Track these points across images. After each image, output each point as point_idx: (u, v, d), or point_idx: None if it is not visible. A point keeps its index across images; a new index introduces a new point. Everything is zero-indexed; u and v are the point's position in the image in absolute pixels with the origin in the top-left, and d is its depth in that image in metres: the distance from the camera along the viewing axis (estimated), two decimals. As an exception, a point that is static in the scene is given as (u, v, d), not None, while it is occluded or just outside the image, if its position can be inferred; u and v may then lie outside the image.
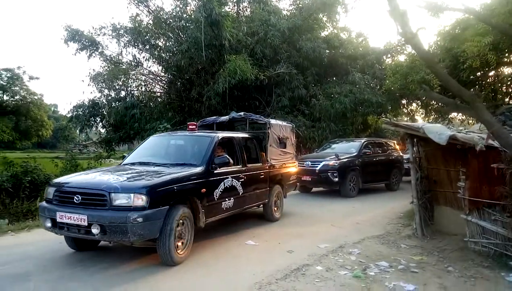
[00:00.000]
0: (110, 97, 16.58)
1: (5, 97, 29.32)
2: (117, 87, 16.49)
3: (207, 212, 5.19)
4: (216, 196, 5.45)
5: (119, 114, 15.76)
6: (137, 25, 16.55)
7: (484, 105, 4.69)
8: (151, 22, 16.93)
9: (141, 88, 17.81)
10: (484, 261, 5.04)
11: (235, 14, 17.96)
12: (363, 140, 12.05)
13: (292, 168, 8.33)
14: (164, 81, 18.52)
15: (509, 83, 8.91)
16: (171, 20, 16.31)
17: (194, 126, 6.82)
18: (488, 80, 9.68)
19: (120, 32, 16.35)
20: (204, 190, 5.19)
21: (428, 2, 6.10)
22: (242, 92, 15.87)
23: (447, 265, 4.96)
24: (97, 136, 17.42)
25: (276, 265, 4.73)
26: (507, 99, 10.18)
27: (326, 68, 17.50)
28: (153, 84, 18.65)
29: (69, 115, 17.63)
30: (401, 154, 12.97)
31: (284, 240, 5.98)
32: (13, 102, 27.92)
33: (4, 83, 29.44)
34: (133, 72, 17.53)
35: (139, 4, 16.26)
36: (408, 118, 18.75)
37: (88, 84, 16.87)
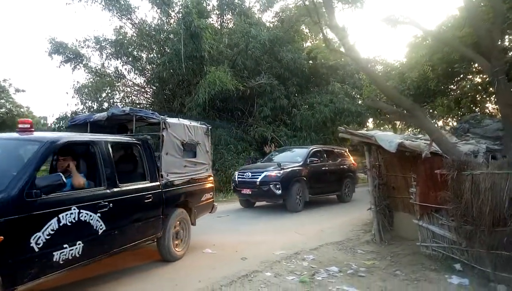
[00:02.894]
0: (92, 109, 16.68)
1: (-9, 110, 29.47)
2: (100, 99, 16.62)
3: (14, 276, 3.15)
4: (38, 244, 3.29)
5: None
6: (121, 37, 16.80)
7: (424, 114, 4.88)
8: (134, 34, 17.19)
9: (125, 99, 17.99)
10: (433, 264, 5.16)
11: (218, 26, 18.31)
12: (310, 148, 11.00)
13: (205, 183, 6.34)
14: (148, 93, 18.72)
15: (473, 93, 9.14)
16: (153, 33, 16.58)
17: (28, 126, 4.12)
18: (455, 89, 9.91)
19: (102, 44, 16.55)
20: (5, 237, 3.01)
21: (387, 16, 6.35)
22: (225, 102, 16.11)
23: (395, 269, 5.07)
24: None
25: (226, 272, 4.81)
26: (478, 108, 10.44)
27: (307, 78, 17.79)
28: (138, 95, 18.84)
29: (52, 127, 17.72)
30: (353, 162, 12.39)
31: (242, 248, 6.06)
32: (-1, 115, 28.07)
33: (-10, 96, 29.64)
34: (118, 84, 17.75)
35: (122, 17, 16.50)
36: (390, 126, 18.98)
37: (72, 97, 17.08)
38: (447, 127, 9.08)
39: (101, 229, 3.97)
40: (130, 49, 16.86)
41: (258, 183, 9.45)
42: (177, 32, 14.71)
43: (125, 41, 16.74)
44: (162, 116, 5.43)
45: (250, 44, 15.28)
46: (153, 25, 16.73)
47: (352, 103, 16.00)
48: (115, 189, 4.28)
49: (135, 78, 18.08)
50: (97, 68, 17.40)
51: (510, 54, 8.46)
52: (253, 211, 10.11)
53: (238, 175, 10.17)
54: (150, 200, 4.83)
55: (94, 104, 16.78)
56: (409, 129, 14.11)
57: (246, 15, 17.19)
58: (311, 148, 10.96)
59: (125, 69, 17.35)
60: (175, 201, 5.43)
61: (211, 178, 6.68)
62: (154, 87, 17.94)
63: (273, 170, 9.55)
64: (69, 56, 16.71)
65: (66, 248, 3.54)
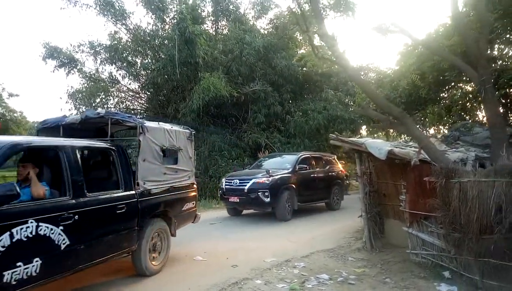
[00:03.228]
0: (86, 114, 16.63)
1: (-16, 115, 29.34)
2: (94, 104, 16.57)
3: None
4: None
5: (95, 131, 15.81)
6: (115, 42, 16.81)
7: (413, 122, 4.92)
8: (129, 40, 17.20)
9: (120, 105, 17.94)
10: (422, 272, 5.19)
11: (213, 33, 18.40)
12: (299, 155, 10.77)
13: (187, 192, 5.99)
14: (143, 99, 18.70)
15: (463, 101, 9.25)
16: (148, 38, 16.60)
17: None
18: (446, 97, 10.03)
19: (97, 49, 16.55)
20: None
21: (378, 25, 6.43)
22: (219, 109, 16.14)
23: (385, 276, 5.10)
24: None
25: (216, 279, 4.81)
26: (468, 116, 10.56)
27: (301, 85, 17.87)
28: (132, 101, 18.81)
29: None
30: (342, 169, 12.40)
31: (233, 254, 6.06)
32: (-8, 119, 27.92)
33: (-17, 101, 29.52)
34: (112, 89, 17.73)
35: (117, 22, 16.52)
36: (383, 134, 19.11)
37: (66, 102, 17.02)
38: (438, 135, 9.18)
39: (64, 243, 3.56)
40: (124, 55, 16.85)
41: (246, 191, 9.13)
42: (172, 38, 14.74)
43: (120, 47, 16.73)
44: (139, 120, 5.14)
45: (244, 50, 15.35)
46: (148, 31, 16.75)
47: (345, 110, 16.10)
48: (82, 199, 3.88)
49: (129, 84, 18.07)
50: (91, 73, 17.36)
51: (499, 63, 8.61)
52: (245, 218, 10.01)
53: (226, 182, 9.84)
54: (123, 210, 4.42)
55: (87, 109, 16.71)
56: (402, 137, 14.23)
57: (240, 22, 17.28)
58: (300, 155, 10.74)
59: (120, 74, 17.33)
60: (153, 211, 5.04)
61: (194, 186, 6.30)
62: (149, 93, 17.93)
63: (261, 177, 9.26)
64: (63, 61, 16.65)
65: (19, 266, 3.12)
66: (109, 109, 17.32)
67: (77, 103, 16.74)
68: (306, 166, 10.31)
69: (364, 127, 19.12)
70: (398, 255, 6.00)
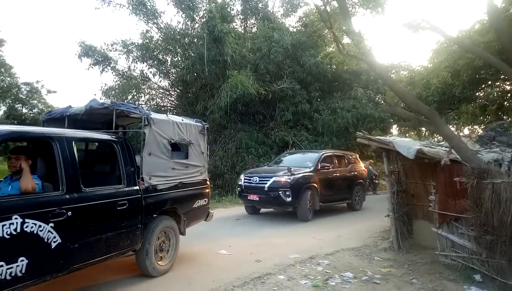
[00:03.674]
0: (118, 111, 17.18)
1: (24, 110, 30.71)
2: (125, 101, 17.08)
3: None
4: None
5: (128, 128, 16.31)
6: (147, 41, 17.24)
7: (443, 120, 4.78)
8: (160, 38, 17.60)
9: (150, 102, 18.41)
10: (452, 274, 5.04)
11: (242, 31, 18.51)
12: (321, 152, 10.33)
13: (199, 188, 5.66)
14: (173, 96, 19.10)
15: (500, 100, 8.86)
16: (178, 37, 16.90)
17: None
18: (481, 96, 9.65)
19: (129, 48, 17.02)
20: None
21: (409, 21, 6.28)
22: (247, 106, 16.22)
23: (412, 277, 4.98)
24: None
25: (240, 273, 4.87)
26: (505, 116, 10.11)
27: (330, 83, 17.67)
28: (162, 98, 19.24)
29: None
30: (364, 168, 12.05)
31: (257, 250, 6.10)
32: (31, 115, 29.25)
33: (24, 97, 30.87)
34: (143, 87, 18.22)
35: (148, 21, 16.93)
36: (415, 133, 18.61)
37: (100, 98, 17.58)
38: (473, 135, 8.84)
39: (54, 242, 3.27)
40: (155, 53, 17.26)
41: (266, 189, 8.76)
42: (201, 37, 14.97)
43: (151, 45, 17.15)
44: (146, 111, 4.76)
45: (272, 48, 15.35)
46: (178, 29, 17.06)
47: (375, 109, 15.79)
48: (77, 194, 3.58)
49: (160, 81, 18.50)
50: (124, 71, 17.90)
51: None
52: (270, 215, 9.94)
53: (245, 179, 9.45)
54: (125, 207, 4.12)
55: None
56: (435, 137, 13.79)
57: (269, 20, 17.30)
58: (322, 153, 10.31)
59: (151, 72, 17.77)
60: (159, 208, 4.73)
61: (207, 182, 5.99)
62: (178, 90, 18.30)
63: (283, 175, 8.84)
64: (98, 59, 17.22)
65: (1, 266, 2.87)
66: (141, 105, 17.79)
67: (110, 100, 17.30)
68: (328, 164, 9.93)
69: (395, 126, 18.72)
70: (426, 256, 5.84)
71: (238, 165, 14.44)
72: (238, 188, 9.69)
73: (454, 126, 10.13)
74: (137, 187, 4.41)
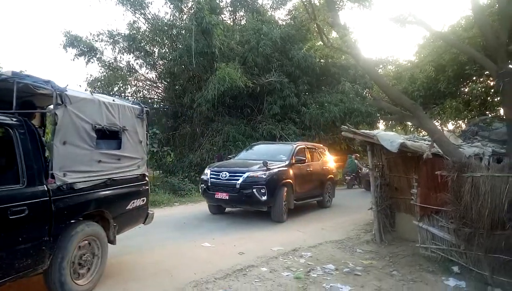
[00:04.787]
0: (104, 103, 16.96)
1: (9, 101, 30.18)
2: (111, 93, 16.84)
3: None
4: None
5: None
6: (134, 32, 16.96)
7: (426, 115, 4.83)
8: (147, 29, 17.34)
9: (137, 94, 18.18)
10: (431, 266, 5.13)
11: (231, 23, 18.36)
12: (294, 144, 9.37)
13: (134, 185, 4.73)
14: (160, 88, 18.90)
15: (484, 96, 8.97)
16: (166, 28, 16.67)
17: None
18: (466, 91, 9.75)
19: (116, 38, 16.75)
20: None
21: (396, 15, 6.28)
22: (234, 99, 16.14)
23: (392, 269, 5.06)
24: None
25: (222, 265, 4.87)
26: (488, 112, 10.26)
27: (318, 77, 17.68)
28: (149, 90, 19.02)
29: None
30: (333, 162, 11.40)
31: (241, 243, 6.11)
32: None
33: (8, 87, 30.30)
34: (130, 78, 17.97)
35: (135, 11, 16.67)
36: (401, 128, 18.79)
37: (85, 90, 17.28)
38: (457, 130, 8.96)
39: None
40: (142, 44, 17.00)
41: (238, 186, 7.59)
42: (189, 28, 14.78)
43: (138, 36, 16.87)
44: (59, 87, 3.61)
45: (261, 41, 15.27)
46: (165, 21, 16.81)
47: (362, 103, 15.90)
48: None
49: (147, 73, 18.27)
50: (110, 62, 17.60)
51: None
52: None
53: (211, 174, 8.16)
54: (23, 214, 3.11)
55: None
56: (421, 131, 13.95)
57: (258, 13, 17.19)
58: (296, 145, 9.37)
59: (137, 63, 17.50)
60: (78, 212, 3.72)
61: (146, 178, 5.03)
62: (166, 83, 18.10)
63: (257, 170, 7.78)
64: (83, 50, 16.88)
65: None
66: (127, 98, 17.58)
67: (95, 92, 17.03)
68: (303, 158, 9.05)
69: (382, 121, 18.87)
70: (407, 248, 5.93)
71: (225, 158, 14.39)
72: (203, 185, 8.30)
73: (439, 121, 10.23)
74: (43, 187, 3.36)
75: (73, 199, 3.65)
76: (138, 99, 17.86)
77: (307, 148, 9.87)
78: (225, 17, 18.11)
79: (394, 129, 15.93)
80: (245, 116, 16.50)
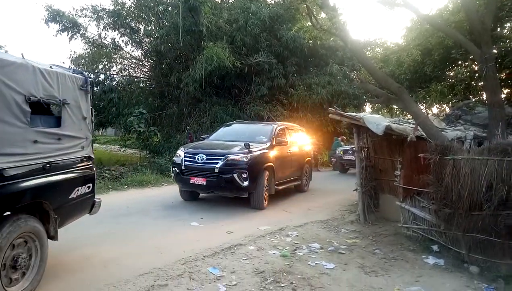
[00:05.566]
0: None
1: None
2: (96, 71, 16.50)
3: None
4: None
5: (97, 98, 15.83)
6: (119, 7, 16.51)
7: (411, 98, 4.92)
8: (133, 5, 16.89)
9: (122, 72, 17.84)
10: (412, 245, 5.34)
11: (219, 1, 18.00)
12: (275, 124, 8.79)
13: (78, 170, 4.06)
14: (146, 67, 18.58)
15: (468, 80, 9.15)
16: (152, 4, 16.27)
17: None
18: (452, 75, 9.92)
19: (100, 14, 16.28)
20: None
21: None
22: (222, 80, 16.01)
23: (375, 248, 5.25)
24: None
25: (211, 244, 4.96)
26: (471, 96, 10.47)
27: (306, 58, 17.62)
28: (135, 68, 18.68)
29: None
30: (311, 145, 11.04)
31: (229, 222, 6.21)
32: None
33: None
34: (115, 56, 17.58)
35: (120, -14, 16.18)
36: (387, 110, 19.03)
37: (69, 67, 16.83)
38: (440, 114, 9.14)
39: None
40: (127, 20, 16.57)
41: (217, 170, 6.87)
42: (176, 5, 14.46)
43: (123, 12, 16.41)
44: None
45: (249, 20, 15.06)
46: (151, -4, 16.41)
47: (349, 86, 16.00)
48: None
49: (132, 51, 17.86)
50: (94, 38, 17.17)
51: (507, 42, 8.45)
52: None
53: (186, 157, 7.33)
54: None
55: (90, 75, 16.63)
56: (405, 114, 14.16)
57: (247, -10, 16.87)
58: (276, 125, 8.76)
59: (123, 41, 17.09)
60: (9, 205, 3.03)
61: (91, 162, 4.33)
62: (152, 61, 17.79)
63: (238, 153, 7.10)
64: (66, 25, 16.37)
65: None
66: (112, 76, 17.28)
67: (79, 69, 16.63)
68: (284, 139, 8.50)
69: (368, 103, 19.06)
70: (390, 228, 6.14)
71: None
72: (175, 168, 7.49)
73: (424, 104, 10.42)
74: None
75: (3, 188, 2.94)
76: (124, 77, 17.56)
77: (287, 128, 9.30)
78: (213, -7, 17.75)
79: (380, 112, 16.14)
80: (233, 97, 16.42)
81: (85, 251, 4.51)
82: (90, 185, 4.25)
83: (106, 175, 11.30)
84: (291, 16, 17.14)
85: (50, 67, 3.65)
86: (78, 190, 4.01)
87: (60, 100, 3.68)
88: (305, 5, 3.99)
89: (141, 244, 4.91)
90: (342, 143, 16.13)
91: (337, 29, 4.28)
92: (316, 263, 4.52)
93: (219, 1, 17.97)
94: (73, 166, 3.96)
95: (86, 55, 16.81)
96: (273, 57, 15.74)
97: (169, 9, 15.91)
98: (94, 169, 4.42)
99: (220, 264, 4.30)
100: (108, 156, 18.63)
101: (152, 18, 16.71)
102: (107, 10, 16.41)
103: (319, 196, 9.32)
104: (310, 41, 17.55)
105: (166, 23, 15.68)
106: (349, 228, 6.27)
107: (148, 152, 15.30)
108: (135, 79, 18.02)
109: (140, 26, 17.23)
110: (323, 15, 11.30)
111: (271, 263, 4.42)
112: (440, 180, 4.74)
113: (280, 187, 8.19)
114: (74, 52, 16.88)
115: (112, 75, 17.22)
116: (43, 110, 3.69)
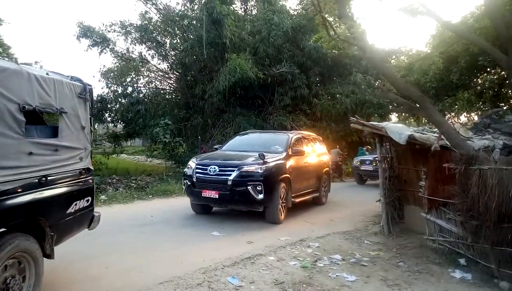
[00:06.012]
0: (117, 93, 17.19)
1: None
2: (124, 83, 17.06)
3: None
4: None
5: (125, 110, 16.38)
6: (146, 22, 17.07)
7: (434, 106, 4.82)
8: (159, 20, 17.43)
9: (149, 84, 18.35)
10: (438, 258, 5.17)
11: (242, 13, 18.30)
12: (291, 133, 8.48)
13: (76, 183, 3.81)
14: (172, 79, 19.04)
15: (497, 87, 8.84)
16: (177, 18, 16.73)
17: None
18: (480, 82, 9.63)
19: (128, 29, 16.89)
20: None
21: (406, 5, 6.21)
22: (245, 90, 16.16)
23: (399, 260, 5.11)
24: (105, 131, 18.08)
25: (230, 253, 4.97)
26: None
27: (330, 68, 17.53)
28: (161, 81, 19.18)
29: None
30: (328, 154, 10.51)
31: (250, 232, 6.21)
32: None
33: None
34: (142, 69, 18.14)
35: (147, 2, 16.76)
36: (413, 120, 18.60)
37: (99, 80, 17.54)
38: (469, 123, 8.85)
39: None
40: (154, 35, 17.10)
41: (230, 182, 6.52)
42: (200, 18, 14.83)
43: (150, 26, 16.96)
44: None
45: (272, 32, 15.21)
46: (177, 11, 16.89)
47: (374, 94, 15.74)
48: None
49: (158, 64, 18.41)
50: (122, 52, 17.79)
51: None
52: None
53: (197, 169, 6.98)
54: None
55: (118, 88, 17.25)
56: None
57: (269, 3, 17.07)
58: (292, 134, 8.42)
59: (149, 54, 17.65)
60: (1, 222, 2.77)
61: (91, 173, 4.09)
62: (177, 73, 18.23)
63: (253, 163, 6.76)
64: (96, 40, 17.09)
65: None
66: (139, 88, 17.81)
67: (108, 82, 17.26)
68: (300, 149, 8.04)
69: (394, 113, 18.69)
70: (415, 240, 5.97)
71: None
72: (186, 181, 7.13)
73: (451, 113, 10.13)
74: None
75: None
76: (151, 90, 18.06)
77: (304, 137, 8.85)
78: (236, 7, 18.06)
79: (407, 121, 15.79)
80: (256, 107, 16.54)
81: (108, 259, 4.63)
82: (89, 198, 4.00)
83: (133, 184, 11.61)
84: (313, 26, 17.11)
85: (47, 74, 3.46)
86: (76, 204, 3.74)
87: (57, 109, 3.45)
88: (320, 15, 4.01)
89: (162, 253, 4.99)
90: (367, 153, 15.85)
91: (355, 38, 4.26)
92: (337, 275, 4.46)
93: (242, 14, 18.28)
94: (71, 179, 3.71)
95: (115, 68, 17.40)
96: (296, 67, 15.79)
97: (194, 22, 16.31)
98: (93, 181, 4.16)
99: (239, 274, 4.31)
100: (135, 166, 19.15)
101: (178, 31, 17.16)
102: (135, 25, 17.02)
103: (341, 207, 9.15)
104: (334, 51, 17.52)
105: (191, 36, 16.08)
106: (373, 239, 6.14)
107: (173, 162, 15.60)
108: (161, 91, 18.49)
109: (166, 40, 17.73)
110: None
111: (291, 274, 4.39)
112: (465, 190, 4.59)
113: (297, 200, 7.74)
114: (104, 66, 17.55)
115: (139, 88, 17.75)
116: (39, 120, 3.58)
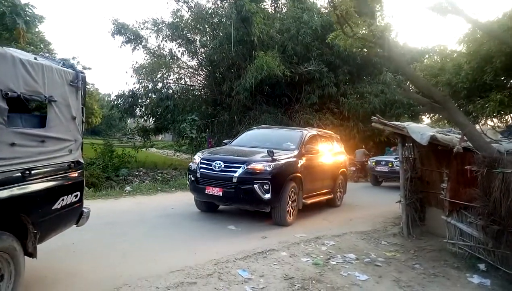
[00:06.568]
0: (147, 89, 17.68)
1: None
2: (155, 79, 17.51)
3: None
4: None
5: (155, 105, 16.83)
6: (177, 20, 17.45)
7: (457, 107, 4.67)
8: (190, 17, 17.76)
9: (179, 81, 18.75)
10: (457, 262, 5.01)
11: (272, 11, 18.32)
12: (305, 130, 7.97)
13: (64, 177, 3.55)
14: (201, 76, 19.37)
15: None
16: (207, 16, 16.98)
17: None
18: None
19: (160, 26, 17.32)
20: None
21: (434, 4, 6.03)
22: (272, 88, 16.20)
23: (415, 262, 5.00)
24: (135, 125, 18.68)
25: (244, 247, 5.04)
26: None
27: (359, 67, 17.26)
28: (191, 78, 19.55)
29: (112, 104, 19.11)
30: (346, 153, 9.89)
31: (266, 228, 6.26)
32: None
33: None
34: (173, 66, 18.56)
35: (179, 0, 17.11)
36: (446, 121, 17.94)
37: (131, 76, 18.13)
38: (501, 125, 8.49)
39: None
40: (184, 32, 17.47)
41: (235, 180, 6.12)
42: (230, 16, 15.00)
43: (181, 24, 17.34)
44: None
45: (301, 30, 15.18)
46: (207, 9, 17.15)
47: (404, 94, 15.34)
48: None
49: (188, 61, 18.80)
50: (154, 49, 18.27)
51: None
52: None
53: (202, 164, 6.58)
54: None
55: (149, 84, 17.73)
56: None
57: (299, 1, 17.00)
58: (306, 131, 7.91)
59: (179, 51, 18.05)
60: None
61: (80, 167, 3.78)
62: (206, 70, 18.53)
63: (260, 161, 6.31)
64: (130, 37, 17.67)
65: None
66: (169, 84, 18.23)
67: (140, 78, 17.79)
68: (315, 147, 7.60)
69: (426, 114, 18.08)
70: (435, 244, 5.80)
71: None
72: (191, 176, 6.76)
73: (482, 115, 9.68)
74: None
75: None
76: (180, 86, 18.43)
77: (319, 135, 8.34)
78: (266, 5, 18.10)
79: (440, 123, 15.24)
80: (282, 105, 16.53)
81: (126, 247, 4.82)
82: (78, 193, 3.70)
83: (159, 177, 11.96)
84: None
85: (35, 58, 3.18)
86: (63, 200, 3.45)
87: (45, 96, 3.18)
88: (334, 13, 3.96)
89: (178, 243, 5.13)
90: (393, 153, 15.48)
91: (374, 36, 4.19)
92: (348, 274, 4.42)
93: (272, 12, 18.29)
94: (58, 172, 3.42)
95: (147, 65, 17.91)
96: (324, 65, 15.65)
97: (223, 20, 16.50)
98: (83, 175, 3.90)
99: (250, 267, 4.37)
100: (163, 160, 19.67)
101: (208, 29, 17.45)
102: (167, 22, 17.44)
103: (360, 207, 9.02)
104: (365, 50, 17.19)
105: (220, 34, 16.29)
106: (391, 240, 6.03)
107: (200, 157, 15.86)
108: (190, 88, 18.85)
109: (196, 37, 18.07)
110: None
111: (302, 270, 4.40)
112: (487, 194, 4.43)
113: (309, 201, 7.30)
114: (136, 62, 18.10)
115: (169, 84, 18.16)
116: (25, 108, 3.33)
